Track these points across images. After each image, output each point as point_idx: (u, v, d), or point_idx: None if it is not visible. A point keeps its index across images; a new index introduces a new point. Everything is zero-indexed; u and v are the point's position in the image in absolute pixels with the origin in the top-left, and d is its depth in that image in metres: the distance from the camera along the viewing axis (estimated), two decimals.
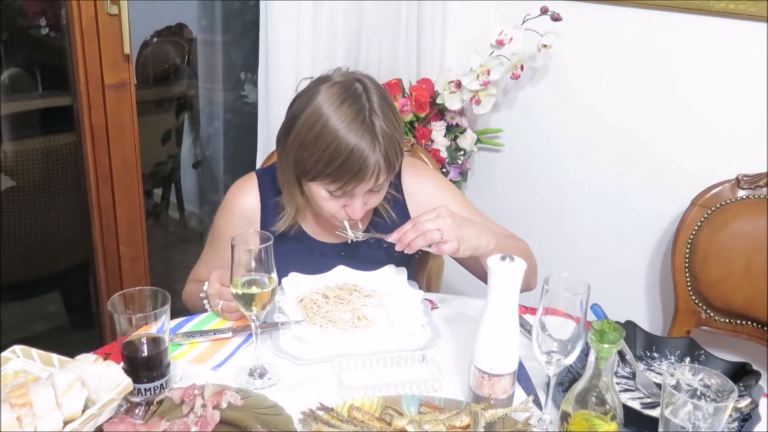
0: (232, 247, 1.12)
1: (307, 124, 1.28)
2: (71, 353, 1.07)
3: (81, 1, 1.74)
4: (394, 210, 1.48)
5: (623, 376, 1.20)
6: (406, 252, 1.29)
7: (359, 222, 1.40)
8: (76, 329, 2.63)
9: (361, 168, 1.25)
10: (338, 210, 1.34)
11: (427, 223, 1.25)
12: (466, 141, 2.21)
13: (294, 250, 1.46)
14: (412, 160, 1.58)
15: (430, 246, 1.27)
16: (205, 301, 1.36)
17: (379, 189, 1.34)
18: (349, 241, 1.38)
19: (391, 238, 1.29)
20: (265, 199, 1.46)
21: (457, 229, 1.26)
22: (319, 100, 1.28)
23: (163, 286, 1.11)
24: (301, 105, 1.31)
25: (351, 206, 1.33)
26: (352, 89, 1.29)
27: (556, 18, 1.96)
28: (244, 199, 1.47)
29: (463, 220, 1.30)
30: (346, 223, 1.36)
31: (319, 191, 1.32)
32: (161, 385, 1.08)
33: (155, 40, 3.15)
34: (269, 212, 1.46)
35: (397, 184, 1.49)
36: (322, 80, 1.33)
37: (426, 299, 1.40)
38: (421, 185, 1.51)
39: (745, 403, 1.09)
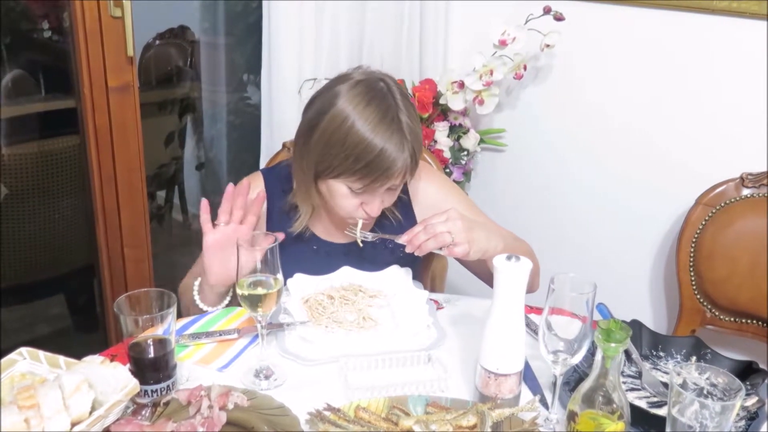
0: (238, 248, 1.12)
1: (333, 124, 1.28)
2: (75, 356, 1.07)
3: (85, 3, 1.74)
4: (400, 211, 1.48)
5: (629, 376, 1.20)
6: (416, 254, 1.29)
7: (364, 225, 1.40)
8: (79, 332, 2.63)
9: (390, 167, 1.26)
10: (356, 209, 1.35)
11: (438, 225, 1.25)
12: (470, 141, 2.21)
13: (300, 250, 1.46)
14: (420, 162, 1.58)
15: (441, 249, 1.27)
16: (197, 296, 1.37)
17: (396, 187, 1.35)
18: (359, 242, 1.38)
19: (402, 239, 1.29)
20: (271, 198, 1.46)
21: (468, 231, 1.27)
22: (343, 100, 1.28)
23: (167, 288, 1.11)
24: (323, 104, 1.31)
25: (370, 204, 1.33)
26: (378, 88, 1.30)
27: (558, 18, 1.96)
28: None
29: (473, 223, 1.30)
30: (360, 223, 1.36)
31: (339, 188, 1.32)
32: (168, 386, 1.08)
33: (158, 42, 3.15)
34: (275, 211, 1.46)
35: (402, 186, 1.48)
36: (343, 79, 1.33)
37: (431, 299, 1.40)
38: (426, 187, 1.51)
39: (752, 401, 1.08)
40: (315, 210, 1.44)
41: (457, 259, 1.40)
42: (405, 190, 1.49)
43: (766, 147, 1.79)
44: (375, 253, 1.47)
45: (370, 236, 1.37)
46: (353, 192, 1.32)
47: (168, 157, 3.20)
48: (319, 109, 1.31)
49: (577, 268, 2.15)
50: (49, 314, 2.64)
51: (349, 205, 1.34)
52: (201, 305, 1.38)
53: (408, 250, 1.28)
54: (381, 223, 1.48)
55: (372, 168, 1.26)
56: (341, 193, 1.32)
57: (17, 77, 2.40)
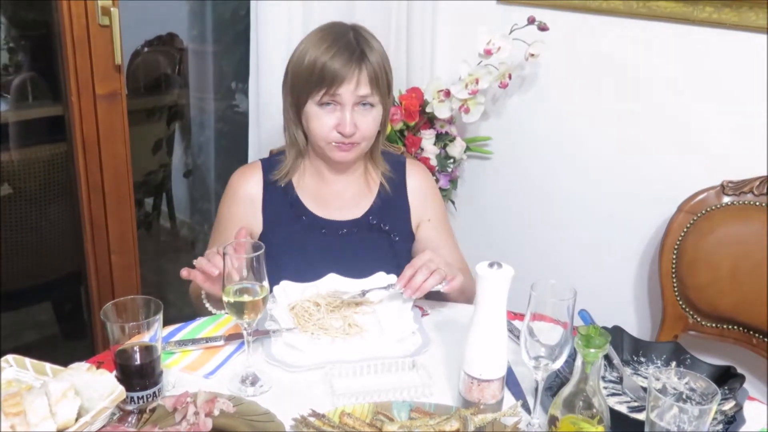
0: (224, 255, 1.13)
1: (296, 53, 1.44)
2: (62, 363, 1.08)
3: (72, 11, 1.75)
4: (394, 191, 1.56)
5: (611, 381, 1.22)
6: (415, 296, 1.34)
7: (358, 204, 1.51)
8: (66, 339, 2.62)
9: (335, 76, 1.36)
10: (330, 130, 1.41)
11: (430, 263, 1.32)
12: (456, 149, 2.23)
13: (297, 227, 1.51)
14: (417, 162, 1.67)
15: (441, 284, 1.32)
16: (208, 304, 1.40)
17: (367, 109, 1.42)
18: (361, 293, 1.39)
19: (397, 287, 1.34)
20: (267, 182, 1.53)
21: (448, 265, 1.35)
22: (309, 35, 1.45)
23: (154, 295, 1.12)
24: (296, 47, 1.46)
25: (342, 121, 1.40)
26: (339, 24, 1.45)
27: (543, 28, 1.99)
28: (247, 181, 1.53)
29: (441, 258, 1.38)
30: (355, 289, 1.40)
31: (311, 110, 1.41)
32: (154, 393, 1.09)
33: (146, 49, 3.15)
34: (271, 196, 1.52)
35: (401, 177, 1.58)
36: None
37: (416, 306, 1.42)
38: (421, 188, 1.59)
39: (729, 405, 1.11)
40: (302, 155, 1.53)
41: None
42: (403, 182, 1.58)
43: (746, 155, 1.82)
44: (371, 234, 1.53)
45: (368, 288, 1.39)
46: (323, 109, 1.40)
47: (156, 164, 3.20)
48: (293, 51, 1.46)
49: (562, 274, 2.18)
50: (36, 321, 2.63)
51: (324, 127, 1.42)
52: (213, 311, 1.41)
53: (407, 294, 1.33)
54: (376, 205, 1.55)
55: (324, 76, 1.37)
56: (314, 114, 1.42)
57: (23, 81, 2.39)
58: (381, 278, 1.45)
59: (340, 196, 1.54)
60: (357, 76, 1.37)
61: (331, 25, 1.45)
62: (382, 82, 1.42)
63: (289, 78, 1.46)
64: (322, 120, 1.42)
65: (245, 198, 1.52)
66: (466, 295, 1.46)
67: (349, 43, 1.39)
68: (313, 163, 1.54)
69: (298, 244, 1.50)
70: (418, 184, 1.59)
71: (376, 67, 1.40)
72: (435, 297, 1.41)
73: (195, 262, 1.30)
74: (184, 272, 1.31)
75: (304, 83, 1.40)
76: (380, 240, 1.54)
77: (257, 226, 1.52)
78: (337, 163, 1.50)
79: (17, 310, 2.52)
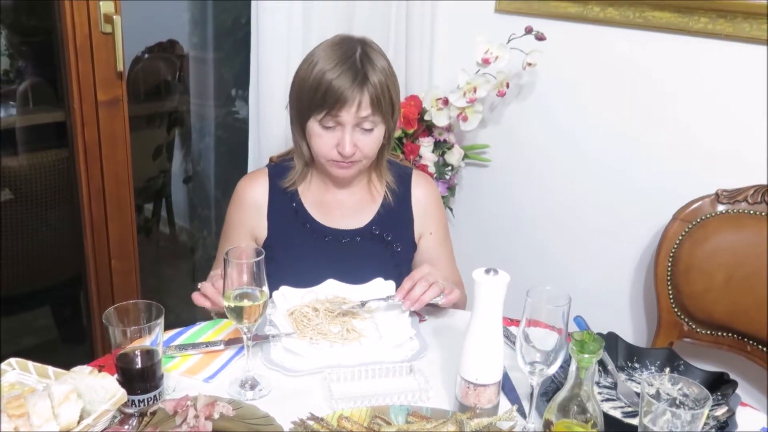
0: (225, 261, 1.14)
1: (303, 65, 1.44)
2: (61, 367, 1.09)
3: (75, 19, 1.76)
4: (398, 202, 1.57)
5: (605, 386, 1.23)
6: (414, 308, 1.36)
7: (362, 213, 1.52)
8: (66, 343, 2.63)
9: (339, 98, 1.36)
10: (330, 149, 1.43)
11: (429, 277, 1.35)
12: (454, 157, 2.25)
13: (301, 234, 1.53)
14: (424, 175, 1.68)
15: (439, 297, 1.36)
16: (214, 316, 1.42)
17: (369, 130, 1.43)
18: (360, 304, 1.41)
19: (396, 298, 1.37)
20: (273, 189, 1.55)
21: (445, 280, 1.38)
22: (317, 48, 1.44)
23: (154, 300, 1.13)
24: (305, 57, 1.46)
25: (341, 142, 1.41)
26: (349, 40, 1.43)
27: (540, 37, 2.01)
28: (253, 187, 1.56)
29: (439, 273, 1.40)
30: (354, 296, 1.43)
31: (313, 128, 1.42)
32: (154, 396, 1.10)
33: (147, 56, 3.17)
34: (276, 202, 1.53)
35: (406, 188, 1.59)
36: None
37: (414, 312, 1.43)
38: (426, 200, 1.61)
39: (722, 411, 1.12)
40: (308, 165, 1.54)
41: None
42: (408, 193, 1.59)
43: (740, 163, 1.84)
44: (372, 243, 1.54)
45: (367, 298, 1.41)
46: (324, 129, 1.42)
47: (156, 170, 3.21)
48: (300, 63, 1.46)
49: (559, 281, 2.20)
50: (36, 326, 2.64)
51: (325, 146, 1.43)
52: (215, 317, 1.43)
53: (406, 306, 1.35)
54: (379, 215, 1.56)
55: (326, 98, 1.37)
56: (316, 133, 1.43)
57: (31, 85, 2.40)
58: (379, 284, 1.47)
59: (343, 205, 1.56)
60: (359, 99, 1.37)
61: (343, 40, 1.44)
62: (384, 102, 1.42)
63: (295, 89, 1.46)
64: (323, 139, 1.43)
65: (251, 204, 1.54)
66: (458, 308, 1.48)
67: (354, 64, 1.38)
68: (318, 173, 1.56)
69: (301, 250, 1.51)
70: (423, 196, 1.60)
71: (379, 88, 1.39)
72: (427, 308, 1.43)
73: (200, 286, 1.32)
74: (197, 299, 1.32)
75: (309, 100, 1.41)
76: (382, 250, 1.55)
77: (262, 231, 1.54)
78: (338, 178, 1.53)
79: (17, 315, 2.53)
